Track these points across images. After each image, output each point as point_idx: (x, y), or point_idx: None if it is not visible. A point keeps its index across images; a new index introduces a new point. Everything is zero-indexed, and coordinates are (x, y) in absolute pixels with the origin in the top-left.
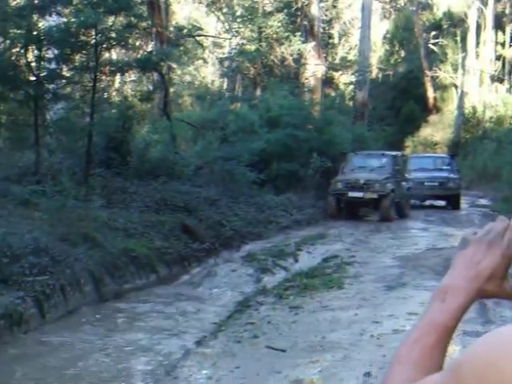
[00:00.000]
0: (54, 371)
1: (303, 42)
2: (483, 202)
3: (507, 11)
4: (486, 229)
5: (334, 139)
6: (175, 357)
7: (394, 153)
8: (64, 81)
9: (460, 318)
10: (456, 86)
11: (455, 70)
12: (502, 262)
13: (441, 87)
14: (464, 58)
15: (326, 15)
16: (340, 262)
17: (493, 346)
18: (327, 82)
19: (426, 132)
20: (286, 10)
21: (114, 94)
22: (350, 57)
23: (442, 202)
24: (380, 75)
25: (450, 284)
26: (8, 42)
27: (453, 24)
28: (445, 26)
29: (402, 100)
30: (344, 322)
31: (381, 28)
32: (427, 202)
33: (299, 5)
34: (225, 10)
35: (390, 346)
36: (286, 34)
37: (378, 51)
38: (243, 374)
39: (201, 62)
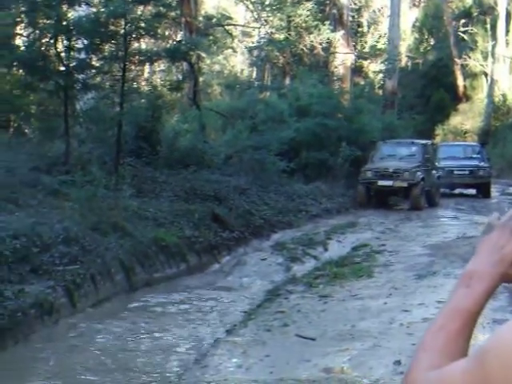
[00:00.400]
0: (89, 360)
1: (332, 31)
2: None
3: None
4: (510, 214)
5: (363, 128)
6: (205, 345)
7: (423, 141)
8: (93, 71)
9: (485, 303)
10: (486, 74)
11: (485, 57)
12: None
13: (471, 75)
14: (494, 46)
15: (354, 3)
16: (370, 250)
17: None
18: (356, 70)
19: (455, 120)
20: None
21: (143, 83)
22: (380, 45)
23: (472, 191)
24: (409, 63)
25: (475, 269)
26: (37, 32)
27: (482, 12)
28: (474, 14)
29: (431, 88)
30: (373, 311)
31: (410, 16)
32: (457, 191)
33: None
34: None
35: (419, 334)
36: (315, 22)
37: (407, 39)
38: (273, 363)
39: (230, 51)
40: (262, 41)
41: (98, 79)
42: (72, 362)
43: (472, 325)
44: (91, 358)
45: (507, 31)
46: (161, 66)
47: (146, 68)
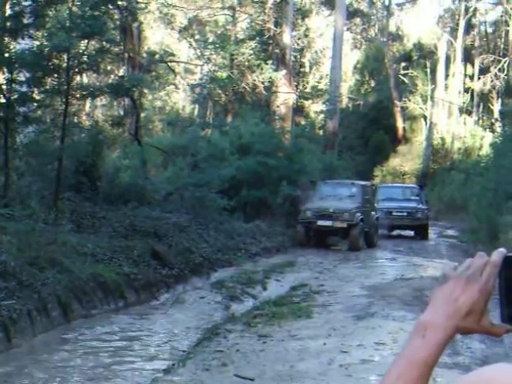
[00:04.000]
0: None
1: (274, 70)
2: (451, 232)
3: (476, 44)
4: (465, 265)
5: (304, 167)
6: None
7: (363, 182)
8: (35, 104)
9: (440, 354)
10: (425, 117)
11: (424, 101)
12: (480, 298)
13: (410, 118)
14: (433, 90)
15: (297, 44)
16: (308, 290)
17: None
18: (298, 110)
19: (394, 162)
20: (258, 38)
21: (84, 118)
22: (321, 86)
23: (410, 232)
24: (350, 105)
25: (430, 320)
26: None
27: (423, 55)
28: (415, 58)
29: (371, 130)
30: (312, 352)
31: (351, 58)
32: (395, 232)
33: (271, 33)
34: (197, 37)
35: (358, 376)
36: (258, 61)
37: (348, 81)
38: None
39: (172, 87)
40: (205, 78)
41: (39, 112)
42: None
43: (428, 374)
44: None
45: (446, 75)
46: (102, 100)
47: (88, 102)
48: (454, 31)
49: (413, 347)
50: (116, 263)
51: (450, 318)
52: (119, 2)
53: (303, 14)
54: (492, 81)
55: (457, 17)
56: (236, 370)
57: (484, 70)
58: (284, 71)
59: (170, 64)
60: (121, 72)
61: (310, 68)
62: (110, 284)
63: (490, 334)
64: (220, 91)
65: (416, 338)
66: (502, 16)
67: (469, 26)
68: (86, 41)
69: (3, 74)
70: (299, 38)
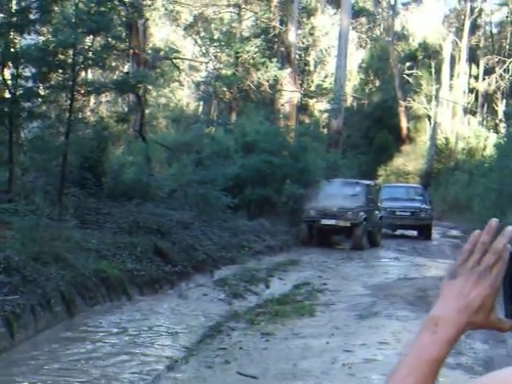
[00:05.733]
0: None
1: (279, 69)
2: (454, 232)
3: (481, 45)
4: (475, 260)
5: (308, 166)
6: (146, 381)
7: (367, 181)
8: (40, 99)
9: (450, 350)
10: (429, 117)
11: (429, 101)
12: (490, 294)
13: (414, 118)
14: (438, 90)
15: (302, 42)
16: (311, 289)
17: None
18: (302, 108)
19: (398, 162)
20: (263, 36)
21: (88, 114)
22: (326, 84)
23: (413, 232)
24: (355, 104)
25: (440, 315)
26: None
27: (428, 55)
28: (420, 57)
29: (375, 129)
30: (315, 350)
31: (356, 57)
32: (398, 232)
33: (276, 31)
34: (202, 34)
35: (361, 375)
36: (263, 59)
37: (352, 80)
38: None
39: (176, 84)
40: (211, 76)
41: (44, 108)
42: None
43: (438, 370)
44: None
45: (451, 75)
46: (107, 96)
47: (92, 98)
48: (459, 31)
49: (423, 343)
50: (119, 259)
51: (461, 313)
52: None
53: (308, 12)
54: (497, 81)
55: (462, 17)
56: (239, 368)
57: (489, 71)
58: (289, 69)
59: (174, 61)
60: (125, 68)
61: (315, 67)
62: (113, 280)
63: (498, 330)
64: (225, 89)
65: (426, 333)
66: (507, 17)
67: (474, 27)
68: (92, 37)
69: (9, 69)
70: (304, 37)
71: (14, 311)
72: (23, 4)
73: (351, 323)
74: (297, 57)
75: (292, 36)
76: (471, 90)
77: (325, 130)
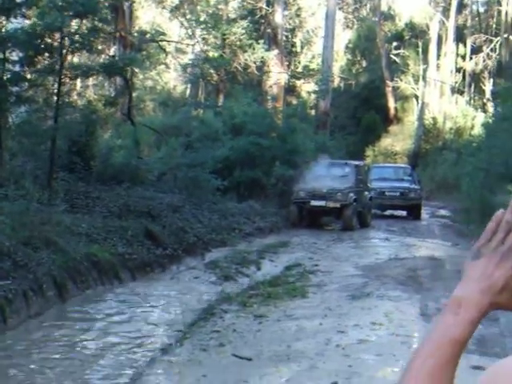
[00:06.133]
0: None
1: (266, 50)
2: (443, 212)
3: (468, 24)
4: (498, 240)
5: (296, 148)
6: (140, 365)
7: (356, 162)
8: (27, 84)
9: (473, 332)
10: (417, 97)
11: (416, 80)
12: None
13: (402, 98)
14: (425, 70)
15: (289, 23)
16: (303, 270)
17: (496, 377)
18: (289, 90)
19: (386, 142)
20: (249, 18)
21: (75, 97)
22: (313, 65)
23: (403, 212)
24: (342, 84)
25: (463, 296)
26: None
27: (415, 35)
28: (407, 37)
29: (363, 110)
30: (309, 332)
31: (343, 37)
32: (388, 212)
33: (263, 12)
34: (188, 16)
35: (355, 356)
36: (250, 41)
37: (339, 60)
38: (210, 383)
39: (163, 67)
40: (197, 58)
41: (31, 92)
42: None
43: (460, 353)
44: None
45: (438, 55)
46: (94, 80)
47: (79, 82)
48: (446, 11)
49: (445, 324)
50: (110, 243)
51: (484, 294)
52: None
53: None
54: (484, 61)
55: None
56: (233, 350)
57: (476, 50)
58: (276, 51)
59: (161, 43)
60: (111, 51)
61: (302, 48)
62: (105, 264)
63: None
64: (212, 71)
65: (449, 314)
66: None
67: (461, 6)
68: (79, 20)
69: None
70: (291, 18)
71: (6, 296)
72: None
73: (343, 304)
74: (284, 38)
75: (278, 17)
76: (458, 70)
77: (312, 111)
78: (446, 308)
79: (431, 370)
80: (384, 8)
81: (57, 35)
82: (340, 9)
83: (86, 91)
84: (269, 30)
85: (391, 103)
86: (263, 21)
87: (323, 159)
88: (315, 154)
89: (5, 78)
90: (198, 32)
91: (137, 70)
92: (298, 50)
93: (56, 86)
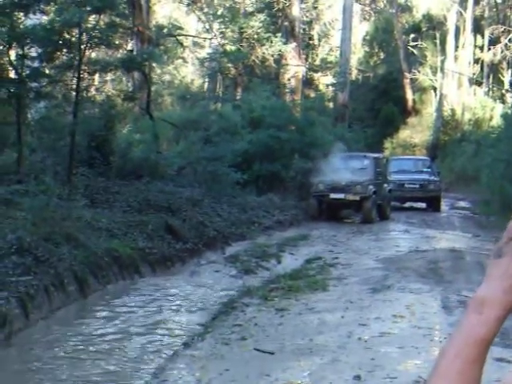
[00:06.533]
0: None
1: (284, 43)
2: (463, 204)
3: (486, 15)
4: None
5: (315, 140)
6: (163, 358)
7: (375, 154)
8: (46, 79)
9: (498, 331)
10: (435, 89)
11: (434, 72)
12: None
13: (420, 89)
14: (443, 61)
15: (306, 16)
16: (323, 263)
17: None
18: (307, 83)
19: (404, 134)
20: (266, 11)
21: (94, 92)
22: (330, 58)
23: (422, 204)
24: (360, 77)
25: (486, 295)
26: None
27: (432, 27)
28: (424, 29)
29: (381, 102)
30: (331, 325)
31: (360, 29)
32: (407, 204)
33: (280, 6)
34: (205, 10)
35: (377, 348)
36: (267, 34)
37: (357, 53)
38: (232, 377)
39: (180, 61)
40: (217, 52)
41: (49, 88)
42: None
43: (486, 352)
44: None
45: (456, 46)
46: (112, 75)
47: (97, 77)
48: (463, 2)
49: (470, 324)
50: (130, 238)
51: (507, 293)
52: None
53: None
54: (502, 51)
55: None
56: (255, 344)
57: (494, 41)
58: (293, 44)
59: (178, 38)
60: (129, 46)
61: (319, 40)
62: (125, 259)
63: None
64: (230, 65)
65: (472, 314)
66: None
67: None
68: (97, 15)
69: (15, 49)
70: (308, 11)
71: (27, 292)
72: None
73: (365, 297)
74: (301, 31)
75: (296, 10)
76: (476, 61)
77: (330, 104)
78: (469, 308)
79: (460, 370)
80: (401, 0)
81: (75, 31)
82: (357, 1)
83: (104, 86)
84: (286, 23)
85: (409, 95)
86: (280, 14)
87: (339, 149)
88: (333, 146)
89: (24, 74)
90: (216, 26)
91: (155, 64)
92: (316, 42)
93: (75, 81)
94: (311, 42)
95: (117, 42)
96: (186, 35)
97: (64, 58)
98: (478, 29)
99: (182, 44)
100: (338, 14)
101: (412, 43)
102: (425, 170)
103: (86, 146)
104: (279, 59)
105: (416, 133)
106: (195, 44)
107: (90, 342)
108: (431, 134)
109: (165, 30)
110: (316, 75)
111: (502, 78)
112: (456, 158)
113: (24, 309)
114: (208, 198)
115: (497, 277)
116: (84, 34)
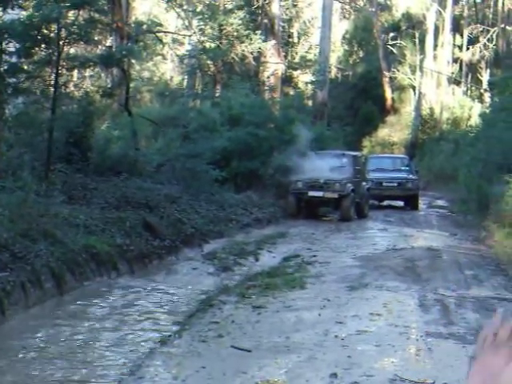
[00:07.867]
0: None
1: (263, 41)
2: (440, 202)
3: (465, 14)
4: (505, 333)
5: (294, 138)
6: (139, 355)
7: (354, 153)
8: (25, 75)
9: None
10: (414, 88)
11: (413, 71)
12: None
13: (399, 88)
14: (422, 60)
15: (286, 14)
16: (301, 261)
17: None
18: (287, 80)
19: (383, 132)
20: (246, 8)
21: (72, 88)
22: (310, 56)
23: (400, 203)
24: (339, 75)
25: None
26: None
27: (411, 26)
28: (403, 28)
29: (360, 100)
30: (308, 323)
31: (340, 28)
32: (385, 203)
33: (260, 3)
34: (185, 7)
35: (354, 346)
36: (247, 32)
37: (336, 51)
38: (209, 374)
39: (160, 58)
40: (196, 49)
41: (28, 83)
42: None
43: None
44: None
45: (435, 46)
46: (91, 71)
47: (75, 73)
48: (442, 1)
49: None
50: (108, 235)
51: None
52: None
53: None
54: (481, 51)
55: None
56: (232, 342)
57: (473, 41)
58: (273, 41)
59: (157, 34)
60: (108, 42)
61: (299, 38)
62: (103, 255)
63: None
64: (209, 62)
65: None
66: None
67: None
68: (76, 11)
69: None
70: (287, 8)
71: (4, 288)
72: None
73: (342, 295)
74: (280, 29)
75: (275, 7)
76: (455, 60)
77: (310, 102)
78: None
79: None
80: None
81: (54, 26)
82: None
83: (83, 82)
84: (266, 21)
85: (388, 94)
86: (260, 11)
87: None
88: (312, 144)
89: (2, 69)
90: (195, 23)
91: (134, 61)
92: (295, 40)
93: (53, 77)
94: (291, 39)
95: (96, 38)
96: (165, 32)
97: (42, 53)
98: (457, 28)
99: (161, 41)
100: (318, 11)
101: (391, 42)
102: (403, 168)
103: (64, 142)
104: (258, 57)
105: (395, 131)
106: (174, 41)
107: (64, 342)
108: (410, 132)
109: (144, 27)
110: (295, 73)
111: (480, 77)
112: (434, 157)
113: (0, 305)
114: (186, 195)
115: (480, 379)
116: (63, 29)
